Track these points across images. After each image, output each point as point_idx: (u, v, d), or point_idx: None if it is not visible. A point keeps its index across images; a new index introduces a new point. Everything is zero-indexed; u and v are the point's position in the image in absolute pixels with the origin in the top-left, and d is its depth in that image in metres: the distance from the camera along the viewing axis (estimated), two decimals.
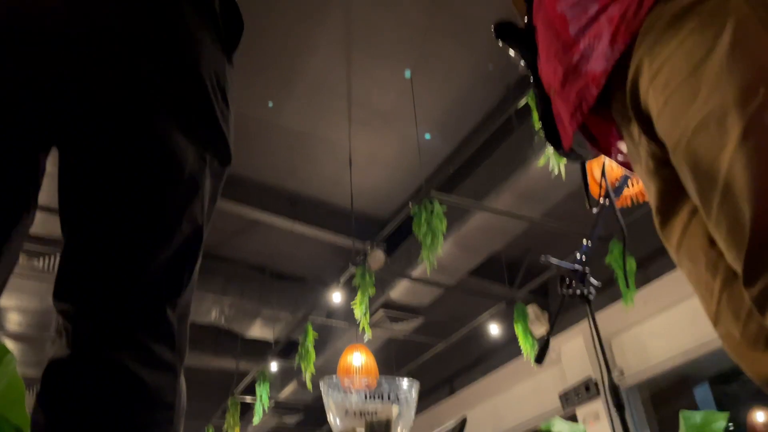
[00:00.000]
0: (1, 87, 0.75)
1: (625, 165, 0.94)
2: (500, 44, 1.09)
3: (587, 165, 1.20)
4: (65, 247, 0.82)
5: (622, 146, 0.91)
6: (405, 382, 2.20)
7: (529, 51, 1.04)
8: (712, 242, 0.75)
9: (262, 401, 6.56)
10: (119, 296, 0.78)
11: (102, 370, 0.75)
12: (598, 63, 0.81)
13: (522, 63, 1.10)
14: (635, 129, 0.80)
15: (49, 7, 0.79)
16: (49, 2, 0.79)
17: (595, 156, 1.02)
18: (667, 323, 5.46)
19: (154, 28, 0.85)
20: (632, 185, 3.05)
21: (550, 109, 0.99)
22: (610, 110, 0.85)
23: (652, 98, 0.73)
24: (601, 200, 1.57)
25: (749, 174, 0.60)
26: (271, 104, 4.97)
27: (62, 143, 0.83)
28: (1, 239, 0.75)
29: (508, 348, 6.56)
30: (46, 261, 5.61)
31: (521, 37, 1.05)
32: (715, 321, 0.77)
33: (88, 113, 0.80)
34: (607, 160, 1.01)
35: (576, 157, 1.03)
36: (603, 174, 1.24)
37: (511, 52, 1.09)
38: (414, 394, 2.19)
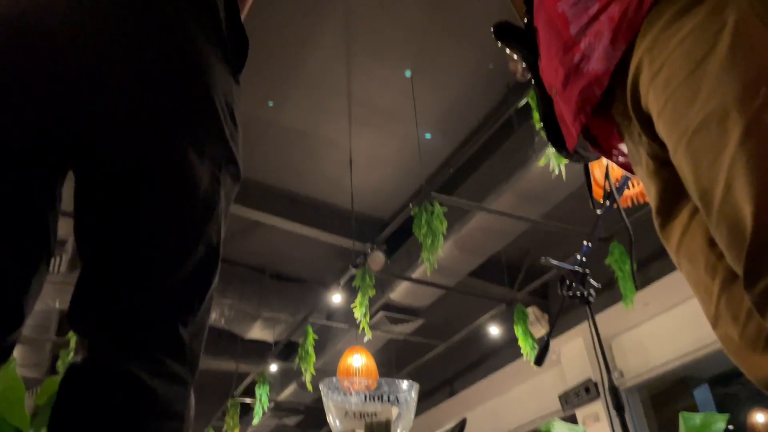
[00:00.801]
0: (16, 127, 0.76)
1: (626, 167, 0.94)
2: (500, 45, 1.08)
3: (589, 166, 1.20)
4: (82, 270, 0.83)
5: (623, 148, 0.90)
6: (405, 384, 2.20)
7: (529, 52, 1.03)
8: (711, 244, 0.75)
9: (261, 402, 6.56)
10: (133, 315, 0.80)
11: (114, 379, 0.77)
12: (600, 63, 0.80)
13: (522, 66, 1.10)
14: (636, 129, 0.80)
15: (60, 33, 0.80)
16: (59, 29, 0.80)
17: (597, 158, 1.02)
18: (667, 325, 5.46)
19: (164, 52, 0.86)
20: (632, 186, 3.05)
21: (551, 110, 0.98)
22: (610, 111, 0.85)
23: (653, 98, 0.73)
24: (603, 201, 1.56)
25: (750, 174, 0.60)
26: (271, 103, 4.97)
27: (78, 166, 0.84)
28: (23, 289, 0.78)
29: (508, 349, 6.56)
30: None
31: (521, 37, 1.05)
32: (714, 323, 0.76)
33: (104, 136, 0.81)
34: (608, 162, 1.01)
35: (579, 159, 1.02)
36: (607, 175, 1.23)
37: (514, 57, 1.09)
38: (414, 395, 2.19)
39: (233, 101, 0.94)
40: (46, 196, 0.81)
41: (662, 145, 0.75)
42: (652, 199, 0.84)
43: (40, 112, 0.78)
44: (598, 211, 1.31)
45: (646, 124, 0.76)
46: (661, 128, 0.73)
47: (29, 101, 0.77)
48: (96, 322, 0.80)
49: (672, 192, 0.80)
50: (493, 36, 1.07)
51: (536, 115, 3.57)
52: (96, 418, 0.75)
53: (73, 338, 5.06)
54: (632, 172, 0.91)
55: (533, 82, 1.05)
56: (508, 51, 1.09)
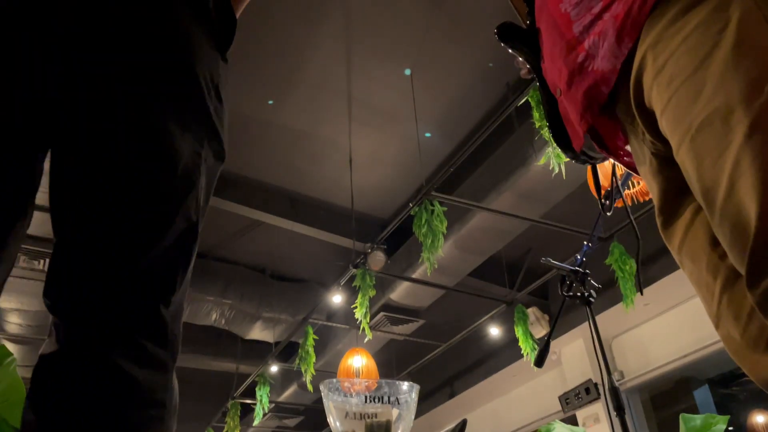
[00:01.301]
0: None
1: (631, 167, 0.94)
2: (503, 46, 1.08)
3: (597, 167, 1.19)
4: (56, 244, 0.81)
5: (628, 147, 0.90)
6: (405, 385, 2.20)
7: (532, 52, 1.03)
8: (713, 243, 0.75)
9: (262, 403, 6.55)
10: (111, 293, 0.78)
11: (93, 367, 0.75)
12: (606, 61, 0.80)
13: (525, 66, 1.09)
14: (639, 127, 0.80)
15: (48, 3, 0.79)
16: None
17: (605, 159, 1.01)
18: (667, 325, 5.46)
19: (148, 26, 0.85)
20: (631, 186, 3.05)
21: (556, 110, 0.98)
22: (615, 109, 0.85)
23: (656, 95, 0.72)
24: (607, 200, 1.56)
25: (754, 172, 0.60)
26: (271, 102, 4.97)
27: (56, 141, 0.83)
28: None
29: (509, 350, 6.55)
30: (47, 262, 5.60)
31: (524, 38, 1.05)
32: (716, 322, 0.76)
33: (84, 109, 0.80)
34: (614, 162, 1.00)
35: (585, 160, 1.02)
36: (614, 174, 1.23)
37: (518, 58, 1.09)
38: (414, 396, 2.19)
39: (219, 77, 0.93)
40: (27, 166, 0.80)
41: (666, 143, 0.74)
42: (655, 198, 0.84)
43: (25, 81, 0.77)
44: (608, 213, 1.30)
45: (650, 121, 0.76)
46: (664, 125, 0.72)
47: (9, 66, 0.76)
48: (72, 301, 0.77)
49: (675, 190, 0.79)
50: (497, 37, 1.07)
51: (536, 114, 3.57)
52: (75, 408, 0.73)
53: None
54: (637, 173, 0.90)
55: (537, 84, 1.05)
56: (510, 51, 1.09)
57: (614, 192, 1.18)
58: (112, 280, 0.78)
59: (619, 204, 1.21)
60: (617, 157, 0.94)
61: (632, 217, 1.16)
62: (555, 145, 1.01)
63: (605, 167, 2.04)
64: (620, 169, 1.13)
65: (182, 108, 0.86)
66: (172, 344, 0.81)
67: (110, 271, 0.78)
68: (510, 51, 1.08)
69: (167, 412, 0.79)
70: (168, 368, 0.81)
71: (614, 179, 1.17)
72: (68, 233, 0.81)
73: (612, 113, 0.85)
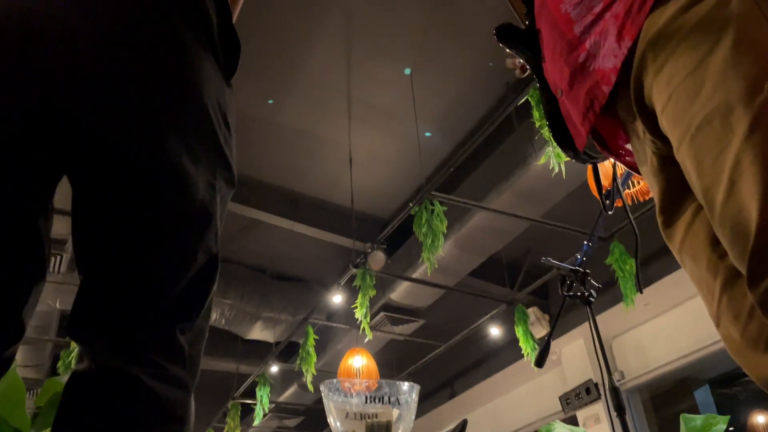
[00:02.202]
0: (11, 122, 0.75)
1: (633, 167, 0.93)
2: (501, 46, 1.08)
3: (598, 167, 1.19)
4: (82, 282, 0.83)
5: (629, 147, 0.90)
6: (405, 385, 2.20)
7: (532, 53, 1.03)
8: (713, 243, 0.75)
9: (262, 404, 6.55)
10: (133, 322, 0.80)
11: (116, 381, 0.77)
12: (607, 60, 0.80)
13: (519, 63, 1.09)
14: (640, 126, 0.80)
15: (57, 36, 0.79)
16: (57, 31, 0.79)
17: (606, 159, 1.01)
18: (667, 325, 5.46)
19: (157, 58, 0.85)
20: (632, 185, 3.05)
21: (557, 110, 0.98)
22: (616, 109, 0.84)
23: (656, 93, 0.72)
24: (608, 200, 1.56)
25: (755, 171, 0.60)
26: (271, 102, 4.97)
27: (73, 174, 0.83)
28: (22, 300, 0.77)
29: (509, 350, 6.55)
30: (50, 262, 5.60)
31: (524, 39, 1.05)
32: (717, 322, 0.76)
33: (99, 143, 0.80)
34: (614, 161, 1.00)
35: (586, 160, 1.02)
36: (614, 174, 1.23)
37: (513, 56, 1.08)
38: (414, 397, 2.19)
39: (226, 105, 0.93)
40: (38, 201, 0.80)
41: (666, 142, 0.74)
42: (656, 197, 0.84)
43: (32, 110, 0.77)
44: (609, 212, 1.30)
45: (650, 120, 0.76)
46: (664, 124, 0.72)
47: (20, 100, 0.76)
48: (96, 330, 0.80)
49: (676, 190, 0.79)
50: (496, 38, 1.07)
51: (536, 114, 3.57)
52: (98, 419, 0.75)
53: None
54: (639, 173, 0.90)
55: (538, 84, 1.05)
56: (507, 51, 1.09)
57: (614, 191, 1.18)
58: (134, 313, 0.80)
59: (618, 204, 1.21)
60: (618, 157, 0.94)
61: (631, 217, 1.16)
62: (555, 144, 1.01)
63: (606, 167, 2.04)
64: (621, 169, 1.13)
65: (193, 140, 0.86)
66: (191, 366, 0.84)
67: (132, 305, 0.80)
68: (508, 51, 1.08)
69: (185, 429, 0.81)
70: (188, 388, 0.83)
71: (615, 178, 1.17)
72: (91, 267, 0.83)
73: (613, 112, 0.85)
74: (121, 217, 0.81)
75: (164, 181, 0.82)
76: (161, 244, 0.82)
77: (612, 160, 0.98)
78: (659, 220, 0.83)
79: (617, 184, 1.17)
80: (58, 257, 5.62)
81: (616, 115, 0.85)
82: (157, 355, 0.80)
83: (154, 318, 0.81)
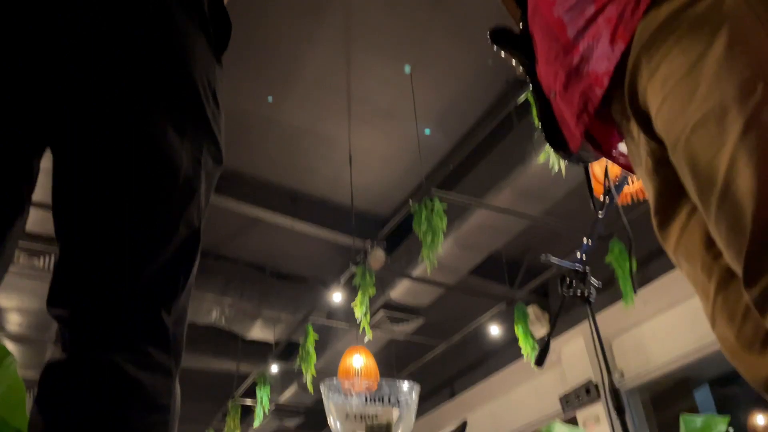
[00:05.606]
0: None
1: (627, 167, 0.94)
2: (495, 49, 1.09)
3: (589, 167, 1.20)
4: (60, 252, 0.82)
5: (623, 148, 0.91)
6: (405, 386, 2.20)
7: (525, 56, 1.04)
8: (708, 244, 0.75)
9: (262, 404, 6.55)
10: (114, 301, 0.78)
11: (97, 372, 0.75)
12: (600, 63, 0.80)
13: (520, 68, 1.10)
14: (634, 128, 0.80)
15: (46, 6, 0.79)
16: (46, 2, 0.80)
17: (597, 159, 1.02)
18: (667, 324, 5.46)
19: (146, 31, 0.85)
20: (632, 183, 3.04)
21: (550, 112, 0.99)
22: (610, 111, 0.85)
23: (651, 95, 0.73)
24: (603, 199, 1.56)
25: (750, 172, 0.60)
26: (270, 99, 4.96)
27: (56, 144, 0.83)
28: None
29: (509, 350, 6.55)
30: (47, 260, 5.60)
31: (517, 42, 1.06)
32: (713, 323, 0.77)
33: (83, 113, 0.80)
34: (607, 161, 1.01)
35: (578, 160, 1.02)
36: (606, 174, 1.23)
37: (512, 60, 1.09)
38: (414, 397, 2.19)
39: (215, 82, 0.93)
40: (22, 165, 0.80)
41: (661, 143, 0.74)
42: (650, 199, 0.84)
43: (17, 78, 0.77)
44: (600, 214, 1.31)
45: (645, 122, 0.76)
46: (659, 125, 0.73)
47: (6, 67, 0.76)
48: (76, 308, 0.78)
49: (671, 191, 0.80)
50: (489, 41, 1.07)
51: (535, 112, 3.56)
52: (80, 411, 0.73)
53: None
54: (633, 173, 0.91)
55: (531, 86, 1.05)
56: (503, 55, 1.10)
57: (607, 193, 1.19)
58: (114, 288, 0.79)
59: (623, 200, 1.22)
60: (612, 158, 0.95)
61: (625, 219, 1.17)
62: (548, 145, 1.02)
63: (596, 170, 2.04)
64: (616, 170, 1.13)
65: (180, 114, 0.86)
66: (175, 349, 0.82)
67: (112, 279, 0.79)
68: (503, 54, 1.09)
69: (171, 417, 0.79)
70: (171, 373, 0.81)
71: (607, 181, 1.18)
72: (70, 241, 0.81)
73: (607, 114, 0.85)
74: (100, 184, 0.80)
75: (146, 151, 0.81)
76: (140, 212, 0.80)
77: (605, 162, 0.99)
78: (654, 222, 0.84)
79: (611, 186, 1.18)
80: (53, 255, 5.62)
81: (610, 116, 0.85)
82: (139, 339, 0.78)
83: (135, 295, 0.79)
